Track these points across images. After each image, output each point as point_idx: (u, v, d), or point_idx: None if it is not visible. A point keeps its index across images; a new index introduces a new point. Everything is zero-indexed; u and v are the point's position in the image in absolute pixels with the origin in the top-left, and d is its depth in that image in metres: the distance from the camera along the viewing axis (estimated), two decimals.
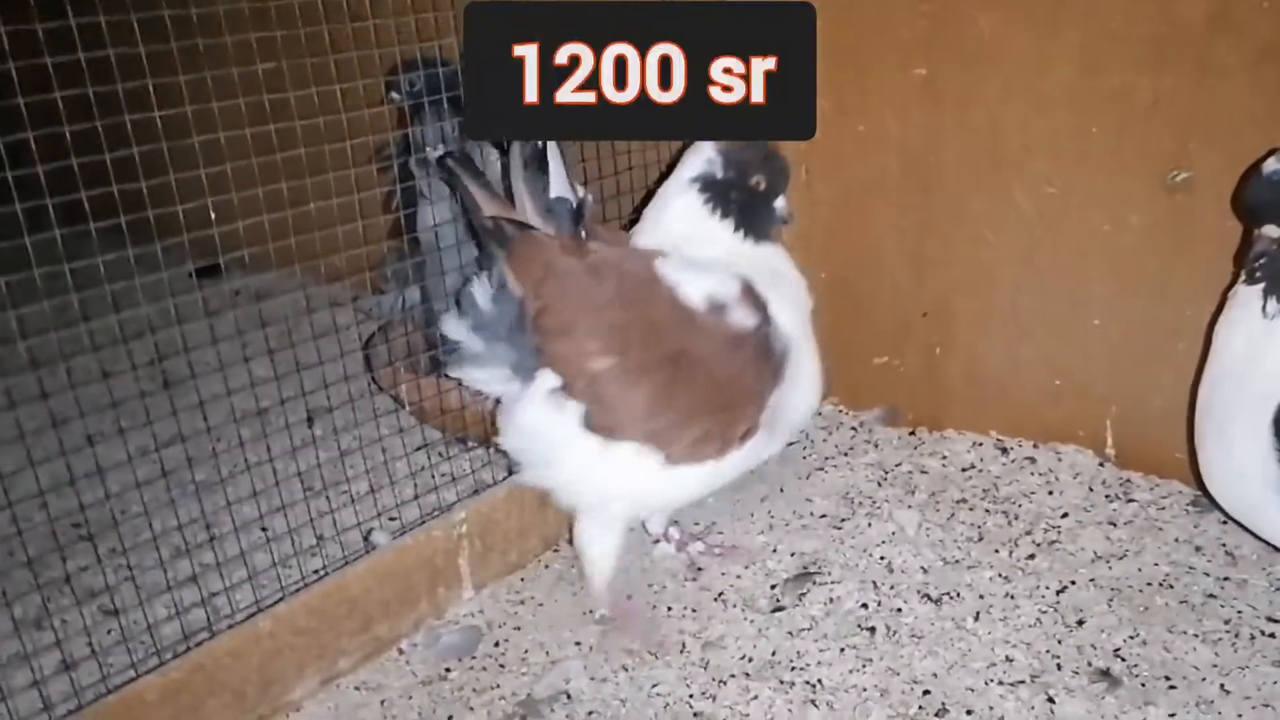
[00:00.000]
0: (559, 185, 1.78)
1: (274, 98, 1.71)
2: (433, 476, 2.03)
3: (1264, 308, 1.53)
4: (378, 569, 1.81)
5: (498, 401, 1.84)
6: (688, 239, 1.85)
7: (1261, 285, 1.55)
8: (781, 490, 2.23)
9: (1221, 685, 1.62)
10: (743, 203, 1.88)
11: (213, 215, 1.65)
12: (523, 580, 2.02)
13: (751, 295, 1.79)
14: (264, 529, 1.89)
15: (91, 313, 1.58)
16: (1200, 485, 1.79)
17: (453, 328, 1.76)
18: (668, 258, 1.79)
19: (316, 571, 1.81)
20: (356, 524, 1.92)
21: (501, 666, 1.80)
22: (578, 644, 1.83)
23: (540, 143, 1.71)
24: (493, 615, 1.92)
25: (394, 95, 2.24)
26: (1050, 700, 1.62)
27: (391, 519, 2.00)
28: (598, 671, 1.76)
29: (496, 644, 1.85)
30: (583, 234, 1.74)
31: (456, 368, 1.78)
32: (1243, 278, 1.60)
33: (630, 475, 1.77)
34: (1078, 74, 1.98)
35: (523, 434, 1.77)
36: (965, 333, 2.29)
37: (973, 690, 1.65)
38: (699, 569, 2.01)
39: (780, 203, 1.93)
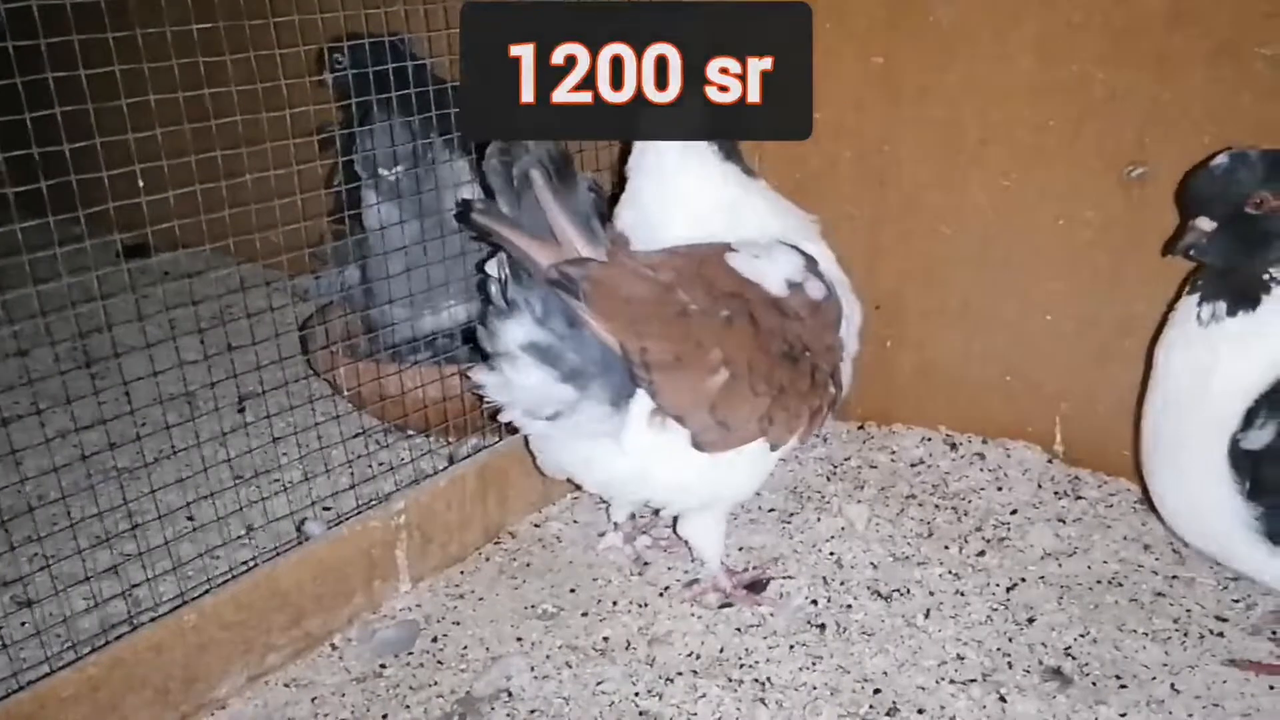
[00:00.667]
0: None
1: (209, 60, 1.61)
2: (370, 465, 1.95)
3: (1198, 315, 1.51)
4: (310, 561, 1.72)
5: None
6: (717, 198, 1.76)
7: (1197, 295, 1.52)
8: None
9: (1172, 685, 1.61)
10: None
11: (140, 183, 1.55)
12: (463, 573, 1.95)
13: (810, 260, 1.75)
14: (190, 517, 1.80)
15: (8, 284, 1.48)
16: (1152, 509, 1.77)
17: (534, 381, 1.60)
18: (734, 249, 1.70)
19: (245, 563, 1.72)
20: (289, 513, 1.84)
21: (439, 663, 1.73)
22: (519, 640, 1.76)
23: (557, 148, 1.59)
24: (431, 610, 1.85)
25: (325, 78, 2.16)
26: (1002, 699, 1.59)
27: (326, 508, 1.93)
28: (540, 668, 1.69)
29: (434, 639, 1.78)
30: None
31: (549, 423, 1.64)
32: (1186, 290, 1.58)
33: (741, 472, 1.73)
34: (1036, 65, 1.96)
35: (631, 460, 1.65)
36: (917, 326, 2.26)
37: (924, 689, 1.62)
38: (645, 563, 1.96)
39: None
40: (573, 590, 1.89)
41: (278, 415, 1.88)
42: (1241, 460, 1.44)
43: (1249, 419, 1.43)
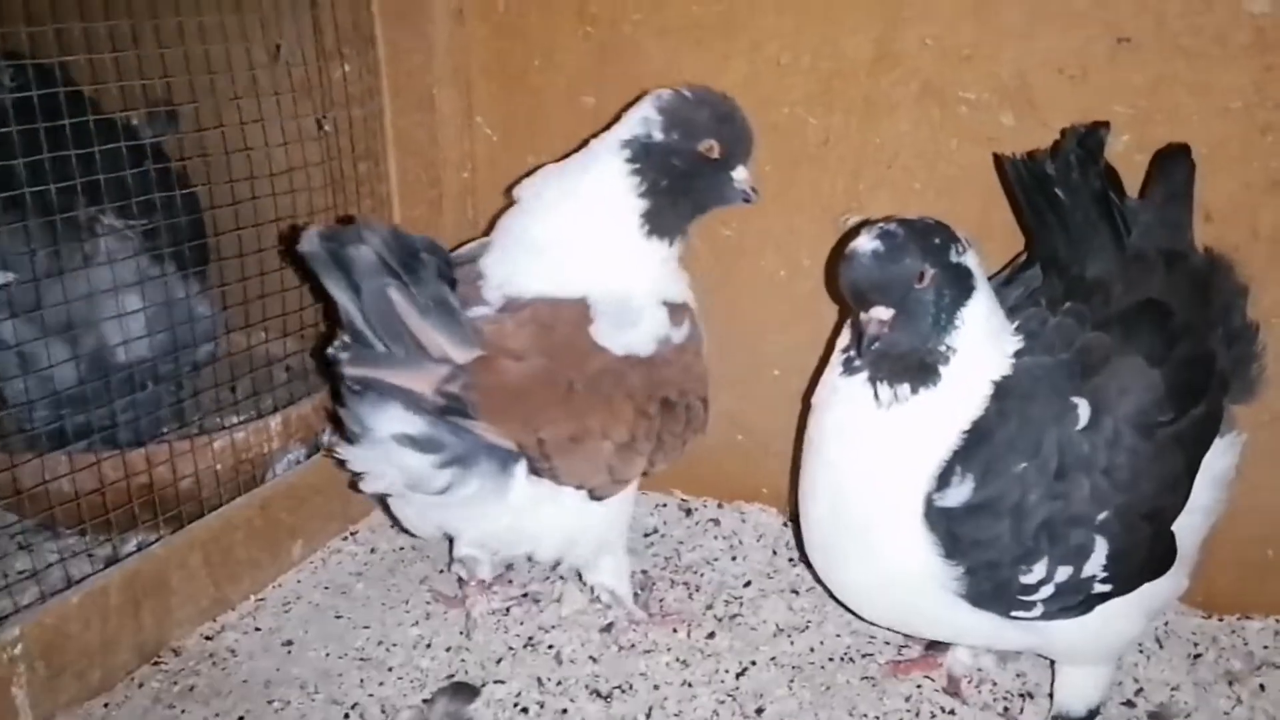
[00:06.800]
0: None
1: None
2: None
3: (875, 396, 1.35)
4: None
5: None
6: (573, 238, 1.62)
7: (865, 375, 1.37)
8: (442, 571, 1.96)
9: None
10: (685, 174, 1.59)
11: None
12: (107, 706, 1.62)
13: (677, 309, 1.67)
14: None
15: None
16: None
17: (413, 464, 1.51)
18: (593, 318, 1.58)
19: None
20: None
21: None
22: None
23: (393, 235, 1.44)
24: None
25: None
26: None
27: None
28: None
29: None
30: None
31: (436, 496, 1.55)
32: (838, 370, 1.42)
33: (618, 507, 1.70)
34: (748, 107, 1.83)
35: (517, 513, 1.59)
36: None
37: None
38: (339, 674, 1.69)
39: (741, 173, 1.61)
40: (242, 718, 1.60)
41: None
42: (938, 520, 1.32)
43: (944, 479, 1.32)
